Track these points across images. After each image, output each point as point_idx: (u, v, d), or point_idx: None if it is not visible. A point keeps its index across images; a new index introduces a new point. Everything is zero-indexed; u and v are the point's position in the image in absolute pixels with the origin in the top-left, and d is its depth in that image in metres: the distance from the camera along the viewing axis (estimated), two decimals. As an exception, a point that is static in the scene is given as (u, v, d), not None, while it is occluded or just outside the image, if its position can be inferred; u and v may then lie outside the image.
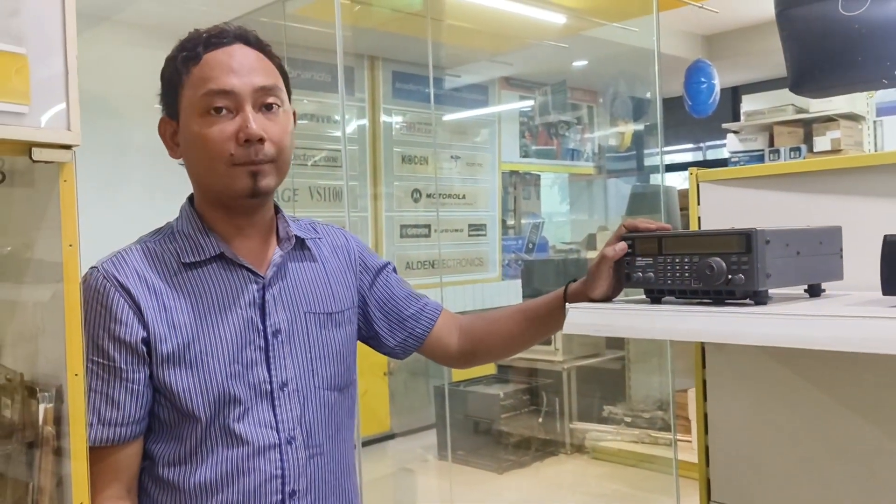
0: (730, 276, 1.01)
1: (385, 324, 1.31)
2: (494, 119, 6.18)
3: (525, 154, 6.46)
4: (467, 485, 4.35)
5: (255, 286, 1.15)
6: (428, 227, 5.63)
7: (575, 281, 1.25)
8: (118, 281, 1.08)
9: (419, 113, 5.56)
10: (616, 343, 4.88)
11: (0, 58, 0.76)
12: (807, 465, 1.28)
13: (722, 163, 7.07)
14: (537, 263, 5.92)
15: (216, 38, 1.12)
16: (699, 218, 1.41)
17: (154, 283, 1.10)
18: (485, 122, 6.13)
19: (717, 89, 4.66)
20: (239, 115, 1.09)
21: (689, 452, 3.83)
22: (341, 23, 2.72)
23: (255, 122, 1.09)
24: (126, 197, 3.93)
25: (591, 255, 5.20)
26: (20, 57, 0.78)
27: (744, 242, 1.00)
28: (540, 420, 4.75)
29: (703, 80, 4.52)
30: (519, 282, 5.61)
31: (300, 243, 1.22)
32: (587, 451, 4.70)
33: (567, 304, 1.18)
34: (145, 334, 1.07)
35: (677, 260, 1.07)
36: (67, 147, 0.82)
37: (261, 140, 1.09)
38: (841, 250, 1.14)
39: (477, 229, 5.96)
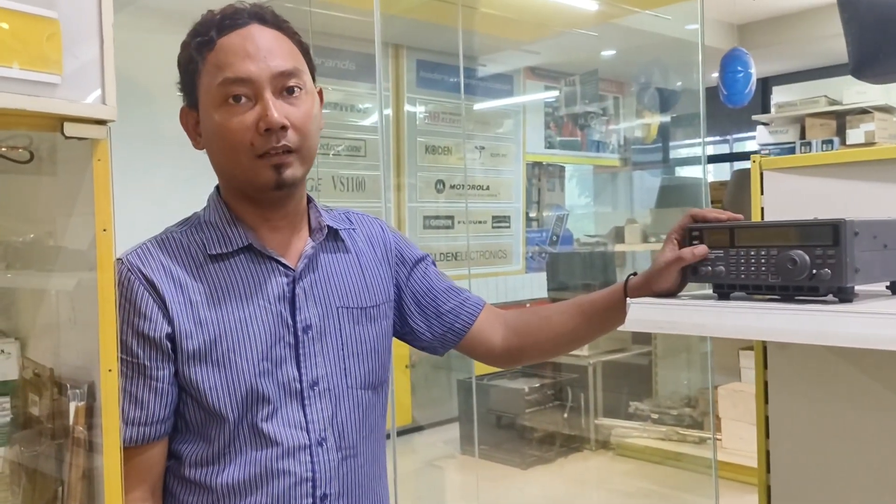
0: (814, 271, 0.93)
1: (422, 318, 1.24)
2: (519, 109, 6.09)
3: (549, 145, 6.36)
4: (491, 480, 4.28)
5: (284, 279, 1.09)
6: (451, 218, 5.55)
7: (635, 274, 1.17)
8: (143, 274, 1.03)
9: (443, 102, 5.47)
10: (643, 338, 4.79)
11: (30, 22, 0.69)
12: (878, 475, 1.19)
13: (749, 156, 6.93)
14: (562, 256, 5.83)
15: (230, 19, 1.04)
16: (762, 209, 1.32)
17: (180, 277, 1.04)
18: (509, 113, 6.04)
19: (754, 79, 4.54)
20: (259, 103, 1.02)
21: (717, 451, 3.74)
22: (366, 10, 2.64)
23: (277, 109, 1.02)
24: (156, 185, 3.88)
25: (619, 248, 5.10)
26: (52, 21, 0.71)
27: (830, 234, 0.92)
28: (564, 415, 4.67)
29: (739, 69, 4.40)
30: (543, 275, 5.52)
31: (333, 234, 1.16)
32: (612, 447, 4.62)
33: (628, 299, 1.10)
34: (170, 330, 1.02)
35: (752, 253, 0.99)
36: (102, 122, 0.76)
37: (283, 128, 1.02)
38: (927, 244, 1.05)
39: (500, 221, 5.88)
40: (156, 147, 3.53)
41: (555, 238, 6.20)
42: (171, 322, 1.02)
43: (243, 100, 1.02)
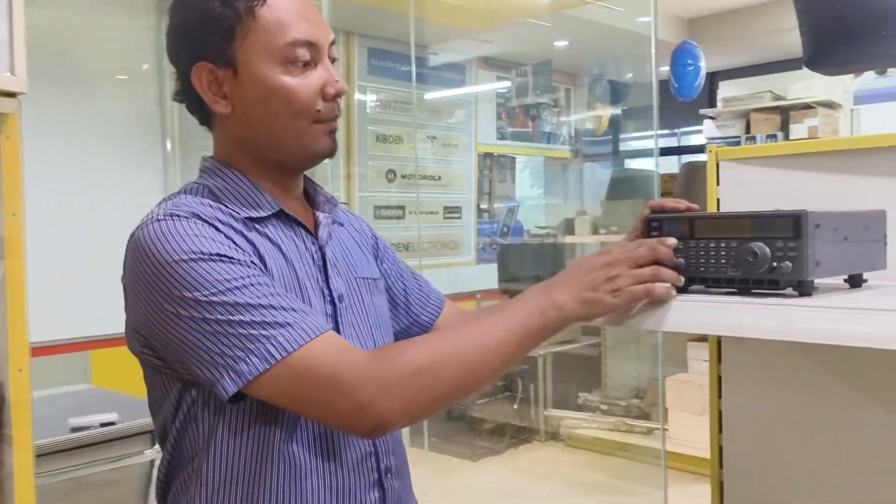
0: (775, 264, 0.90)
1: (391, 306, 1.20)
2: (471, 99, 6.04)
3: (501, 136, 6.33)
4: (441, 473, 4.25)
5: (314, 247, 1.03)
6: (402, 208, 5.48)
7: None
8: (202, 219, 0.91)
9: (394, 91, 5.40)
10: (593, 329, 4.81)
11: (-77, -22, 0.61)
12: (833, 469, 1.18)
13: (698, 149, 7.03)
14: (513, 248, 5.82)
15: None
16: (718, 200, 1.30)
17: (232, 225, 0.94)
18: (461, 103, 5.99)
19: (704, 72, 4.58)
20: (320, 68, 0.98)
21: (660, 441, 3.77)
22: (316, -6, 2.55)
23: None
24: (101, 171, 3.72)
25: (569, 239, 5.10)
26: (-50, -20, 0.63)
27: (791, 226, 0.89)
28: (515, 407, 4.67)
29: (689, 62, 4.43)
30: (494, 266, 5.50)
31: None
32: (562, 438, 4.63)
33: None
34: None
35: (712, 245, 0.96)
36: (12, 95, 0.68)
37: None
38: (885, 237, 1.03)
39: (452, 212, 5.83)
40: (102, 130, 3.39)
41: (505, 229, 6.19)
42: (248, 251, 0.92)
43: (304, 64, 0.97)
